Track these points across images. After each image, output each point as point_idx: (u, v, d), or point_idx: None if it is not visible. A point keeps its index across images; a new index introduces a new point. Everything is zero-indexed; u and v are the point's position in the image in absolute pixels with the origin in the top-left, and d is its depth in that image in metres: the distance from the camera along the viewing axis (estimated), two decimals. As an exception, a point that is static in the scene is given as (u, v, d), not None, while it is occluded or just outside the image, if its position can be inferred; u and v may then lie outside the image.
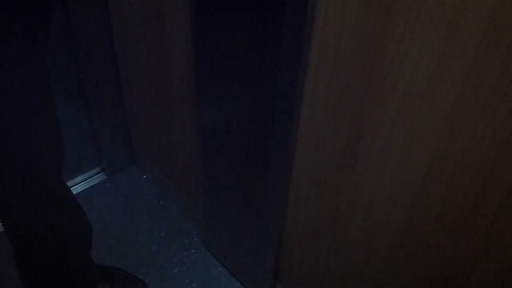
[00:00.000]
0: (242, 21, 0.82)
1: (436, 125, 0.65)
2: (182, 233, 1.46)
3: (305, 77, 0.79)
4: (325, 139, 0.83)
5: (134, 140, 1.60)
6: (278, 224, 1.06)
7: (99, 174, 1.65)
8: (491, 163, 0.62)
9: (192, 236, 1.45)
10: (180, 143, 1.31)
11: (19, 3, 0.68)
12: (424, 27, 0.60)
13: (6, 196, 0.82)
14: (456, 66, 0.59)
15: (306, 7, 0.70)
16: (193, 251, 1.41)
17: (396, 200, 0.77)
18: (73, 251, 1.01)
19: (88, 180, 1.62)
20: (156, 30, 1.11)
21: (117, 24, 1.27)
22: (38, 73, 0.77)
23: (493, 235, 0.67)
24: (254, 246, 1.19)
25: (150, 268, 1.35)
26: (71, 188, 1.52)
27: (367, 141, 0.76)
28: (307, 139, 0.87)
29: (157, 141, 1.44)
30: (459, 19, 0.56)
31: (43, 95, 0.80)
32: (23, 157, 0.79)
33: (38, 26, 0.74)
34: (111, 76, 1.41)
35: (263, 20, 0.78)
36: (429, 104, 0.65)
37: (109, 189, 1.60)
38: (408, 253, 0.81)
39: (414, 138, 0.69)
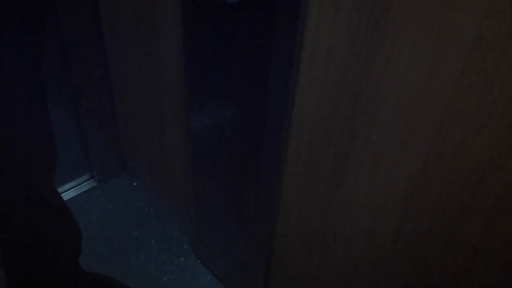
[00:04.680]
0: (234, 29, 0.82)
1: (426, 135, 0.66)
2: (172, 241, 1.46)
3: (296, 86, 0.80)
4: (316, 148, 0.83)
5: (124, 147, 1.59)
6: (268, 233, 1.06)
7: (89, 181, 1.64)
8: (480, 173, 0.63)
9: (182, 244, 1.45)
10: (171, 150, 1.31)
11: (14, 5, 0.68)
12: (414, 38, 0.61)
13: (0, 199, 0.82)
14: (446, 76, 0.60)
15: (297, 17, 0.71)
16: (183, 259, 1.41)
17: (386, 209, 0.78)
18: (62, 258, 1.00)
19: (77, 187, 1.61)
20: (148, 37, 1.11)
21: (108, 29, 1.27)
22: (32, 75, 0.77)
23: (482, 243, 0.67)
24: (244, 255, 1.18)
25: (140, 276, 1.34)
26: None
27: (357, 151, 0.76)
28: (298, 148, 0.87)
29: (148, 148, 1.44)
30: (448, 29, 0.57)
31: (37, 98, 0.80)
32: (15, 161, 0.79)
33: (34, 27, 0.74)
34: (102, 82, 1.40)
35: (254, 29, 0.78)
36: (419, 114, 0.65)
37: (98, 196, 1.59)
38: (398, 262, 0.82)
39: (404, 148, 0.69)
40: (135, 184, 1.64)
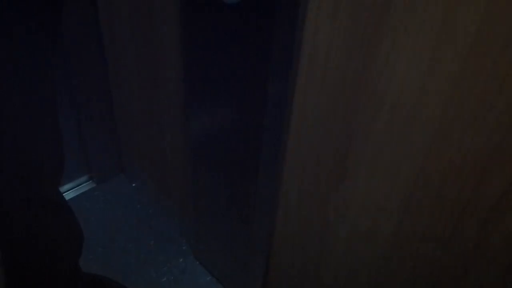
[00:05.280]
0: (233, 30, 0.82)
1: (425, 135, 0.66)
2: (170, 241, 1.46)
3: (295, 88, 0.80)
4: (314, 149, 0.83)
5: (123, 148, 1.59)
6: (267, 234, 1.06)
7: (88, 182, 1.63)
8: (478, 173, 0.63)
9: (181, 245, 1.45)
10: (170, 151, 1.31)
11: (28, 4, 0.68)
12: (412, 38, 0.61)
13: (2, 199, 0.81)
14: (445, 77, 0.60)
15: (296, 18, 0.71)
16: (181, 259, 1.41)
17: (385, 210, 0.78)
18: (63, 259, 1.00)
19: (76, 188, 1.60)
20: (147, 38, 1.11)
21: (107, 31, 1.27)
22: (45, 75, 0.77)
23: (481, 243, 0.67)
24: (243, 255, 1.18)
25: (138, 277, 1.34)
26: (59, 196, 1.51)
27: (356, 152, 0.76)
28: (296, 149, 0.87)
29: (147, 149, 1.44)
30: (448, 28, 0.57)
31: (48, 98, 0.80)
32: (21, 161, 0.79)
33: (47, 27, 0.74)
34: (100, 83, 1.40)
35: (253, 30, 0.78)
36: (418, 114, 0.65)
37: (97, 197, 1.59)
38: (397, 262, 0.82)
39: (403, 148, 0.70)
40: (134, 185, 1.64)
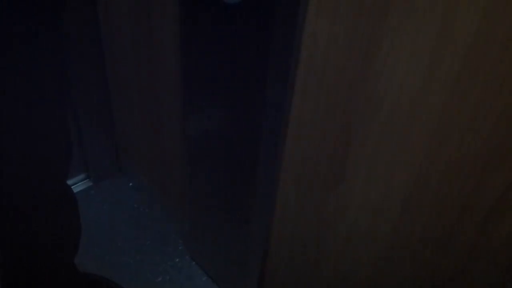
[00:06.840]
0: (232, 30, 0.82)
1: (423, 136, 0.66)
2: (167, 241, 1.45)
3: (294, 88, 0.80)
4: (313, 149, 0.83)
5: (121, 147, 1.59)
6: (263, 235, 1.06)
7: (84, 181, 1.63)
8: (477, 174, 0.63)
9: (177, 245, 1.44)
10: (168, 151, 1.30)
11: None
12: (412, 38, 0.61)
13: (9, 194, 0.81)
14: (445, 77, 0.60)
15: (296, 18, 0.71)
16: (177, 260, 1.40)
17: (384, 210, 0.78)
18: (62, 258, 1.00)
19: (72, 186, 1.59)
20: (147, 38, 1.11)
21: (107, 31, 1.26)
22: (50, 73, 0.77)
23: (481, 243, 0.68)
24: (239, 256, 1.18)
25: (135, 276, 1.34)
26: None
27: (356, 152, 0.76)
28: (295, 149, 0.87)
29: (144, 148, 1.44)
30: (447, 29, 0.57)
31: (52, 95, 0.80)
32: (26, 159, 0.78)
33: (49, 26, 0.74)
34: (98, 82, 1.40)
35: (252, 30, 0.78)
36: (417, 114, 0.65)
37: (94, 196, 1.58)
38: (394, 264, 0.82)
39: (403, 148, 0.70)
40: (130, 184, 1.64)
